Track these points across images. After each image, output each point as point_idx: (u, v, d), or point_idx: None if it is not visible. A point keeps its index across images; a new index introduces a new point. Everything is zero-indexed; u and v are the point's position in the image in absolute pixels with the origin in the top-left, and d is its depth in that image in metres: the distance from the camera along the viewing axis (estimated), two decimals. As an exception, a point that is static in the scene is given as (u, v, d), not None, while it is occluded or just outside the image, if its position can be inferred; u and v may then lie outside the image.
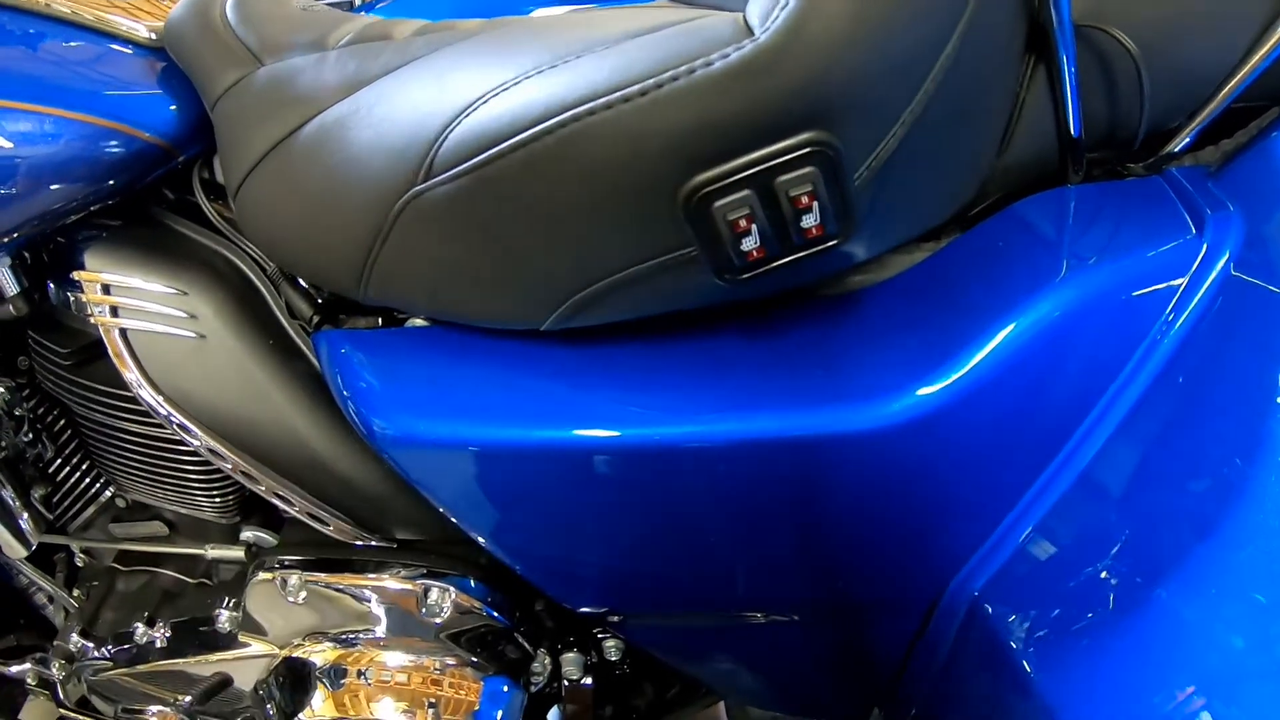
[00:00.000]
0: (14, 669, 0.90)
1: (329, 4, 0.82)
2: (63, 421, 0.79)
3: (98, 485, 0.82)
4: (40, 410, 0.77)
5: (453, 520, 0.63)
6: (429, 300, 0.57)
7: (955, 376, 0.50)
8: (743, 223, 0.44)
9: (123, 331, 0.64)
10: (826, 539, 0.59)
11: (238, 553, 0.78)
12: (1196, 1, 0.52)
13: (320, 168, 0.54)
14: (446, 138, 0.47)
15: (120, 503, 0.84)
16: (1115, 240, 0.51)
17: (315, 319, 0.63)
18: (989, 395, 0.50)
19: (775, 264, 0.48)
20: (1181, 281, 0.50)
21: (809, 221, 0.44)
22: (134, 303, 0.63)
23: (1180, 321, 0.50)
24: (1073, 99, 0.51)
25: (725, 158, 0.42)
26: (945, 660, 0.65)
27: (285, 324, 0.66)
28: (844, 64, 0.40)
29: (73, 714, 0.88)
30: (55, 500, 0.80)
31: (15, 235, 0.63)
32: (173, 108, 0.65)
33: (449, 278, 0.53)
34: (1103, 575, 0.52)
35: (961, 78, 0.45)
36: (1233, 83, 0.52)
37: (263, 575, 0.73)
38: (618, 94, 0.42)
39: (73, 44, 0.65)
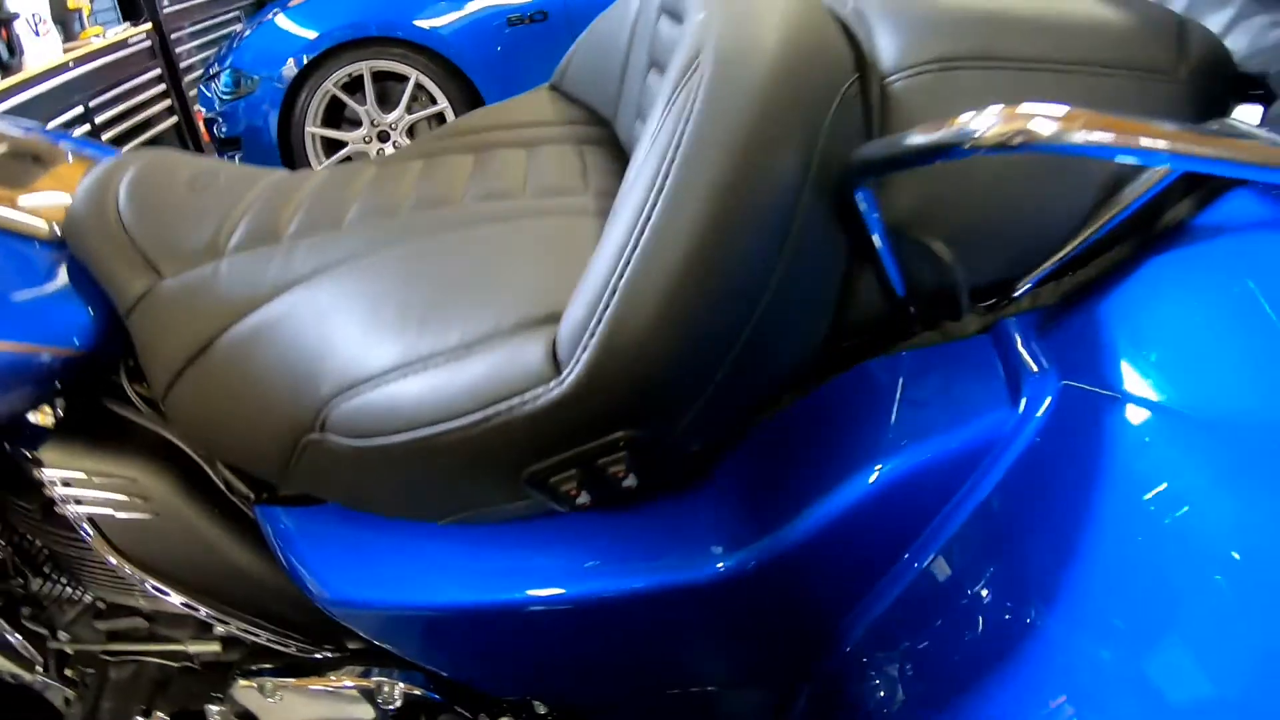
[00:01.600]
0: None
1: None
2: (38, 544, 0.84)
3: (79, 591, 0.87)
4: (16, 542, 0.83)
5: None
6: (346, 501, 0.66)
7: (791, 532, 0.63)
8: (573, 490, 0.55)
9: (89, 517, 0.70)
10: (691, 656, 0.74)
11: (215, 647, 0.86)
12: (1019, 199, 0.60)
13: (233, 384, 0.61)
14: (330, 411, 0.56)
15: (101, 604, 0.89)
16: (935, 413, 0.62)
17: (252, 496, 0.71)
18: (820, 545, 0.63)
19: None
20: (993, 444, 0.61)
21: (629, 482, 0.56)
22: (92, 493, 0.69)
23: (988, 488, 0.61)
24: (893, 271, 0.59)
25: (551, 454, 0.52)
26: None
27: (227, 495, 0.73)
28: (639, 386, 0.49)
29: None
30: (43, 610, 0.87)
31: None
32: (88, 312, 0.67)
33: (356, 493, 0.63)
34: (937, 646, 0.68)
35: (780, 310, 0.53)
36: (1060, 254, 0.60)
37: (243, 682, 0.82)
38: (458, 421, 0.51)
39: None
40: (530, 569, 0.66)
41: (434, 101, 2.94)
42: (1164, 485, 0.55)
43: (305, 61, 2.79)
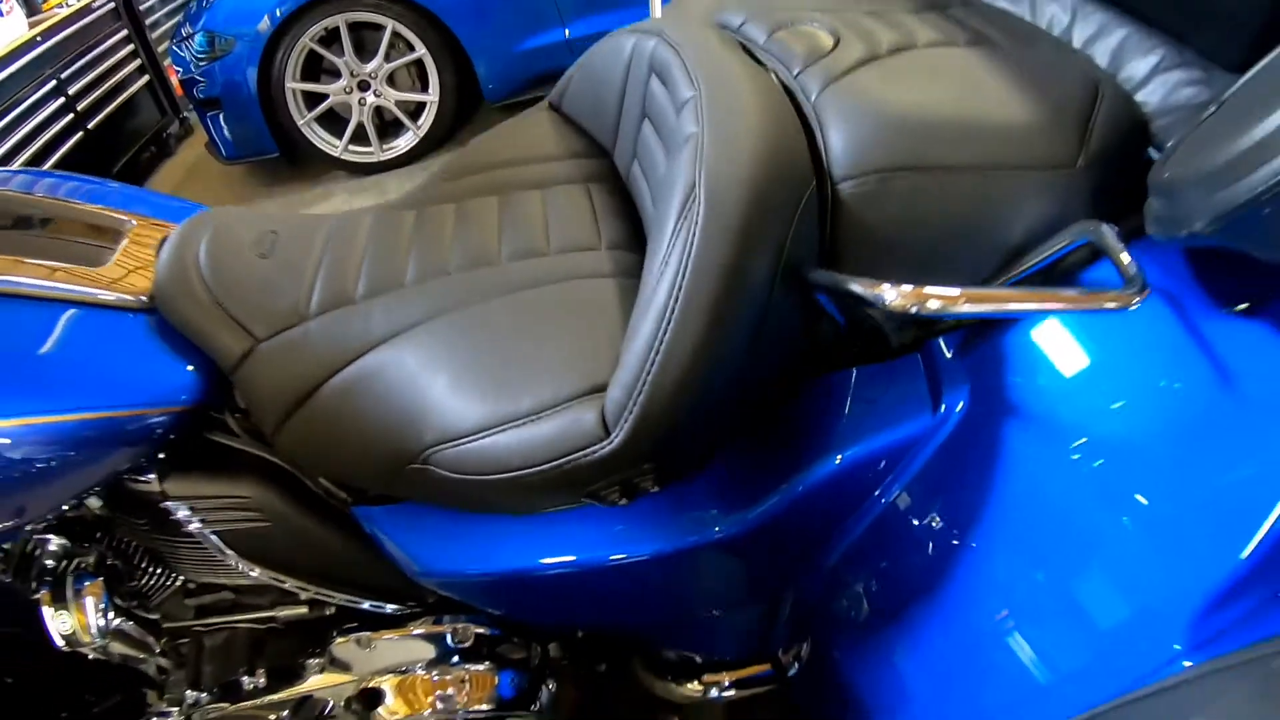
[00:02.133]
0: None
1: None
2: (134, 545, 1.00)
3: (171, 577, 1.04)
4: (117, 548, 0.99)
5: None
6: (436, 504, 0.83)
7: (760, 509, 0.83)
8: (614, 497, 0.74)
9: (214, 533, 0.86)
10: (698, 593, 0.97)
11: (302, 610, 1.05)
12: (949, 255, 0.77)
13: (338, 424, 0.77)
14: (432, 454, 0.73)
15: (190, 585, 1.07)
16: (880, 413, 0.81)
17: (348, 499, 0.87)
18: (784, 521, 0.84)
19: None
20: (920, 437, 0.79)
21: (654, 489, 0.74)
22: (214, 514, 0.85)
23: (917, 467, 0.81)
24: (840, 319, 0.77)
25: (601, 483, 0.71)
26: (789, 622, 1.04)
27: (327, 501, 0.89)
28: (666, 439, 0.68)
29: None
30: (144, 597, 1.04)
31: (73, 499, 0.80)
32: (189, 371, 0.80)
33: (447, 502, 0.80)
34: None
35: (764, 365, 0.71)
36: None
37: (341, 639, 1.02)
38: (537, 468, 0.69)
39: (70, 325, 0.77)
40: (574, 540, 0.85)
41: (411, 49, 2.96)
42: (1062, 447, 0.73)
43: (280, 18, 2.79)
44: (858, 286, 0.65)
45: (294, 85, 2.94)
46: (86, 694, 1.15)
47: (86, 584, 0.89)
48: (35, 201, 0.88)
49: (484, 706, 1.08)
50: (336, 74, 3.01)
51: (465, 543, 0.85)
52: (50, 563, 0.91)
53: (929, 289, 0.63)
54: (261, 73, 2.89)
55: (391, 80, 3.04)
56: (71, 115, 2.99)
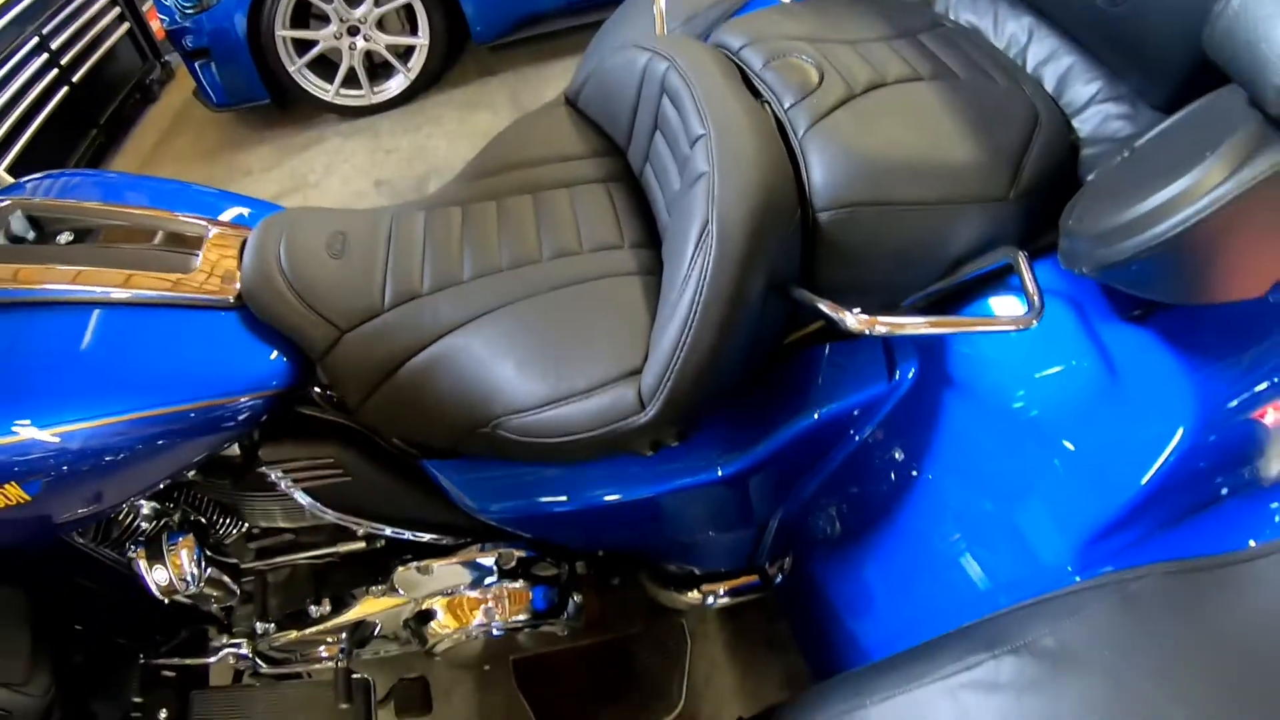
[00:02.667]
0: (214, 658, 1.30)
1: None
2: (207, 499, 1.15)
3: (239, 524, 1.20)
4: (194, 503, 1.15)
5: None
6: (500, 459, 1.01)
7: (753, 453, 1.02)
8: (645, 451, 0.93)
9: (304, 490, 1.04)
10: (701, 520, 1.17)
11: (360, 545, 1.25)
12: (904, 265, 0.95)
13: (416, 398, 0.95)
14: (501, 422, 0.91)
15: (255, 530, 1.24)
16: (846, 380, 0.99)
17: (417, 454, 1.05)
18: (771, 462, 1.03)
19: None
20: (880, 400, 0.99)
21: (675, 444, 0.94)
22: (303, 475, 1.03)
23: (877, 420, 1.00)
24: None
25: (636, 441, 0.90)
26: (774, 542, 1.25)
27: (397, 457, 1.07)
28: (688, 413, 0.87)
29: (276, 669, 1.35)
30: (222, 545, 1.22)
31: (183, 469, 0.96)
32: (279, 358, 0.94)
33: (508, 457, 0.98)
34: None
35: (758, 349, 0.90)
36: (926, 290, 0.96)
37: (402, 568, 1.21)
38: (589, 433, 0.88)
39: (173, 327, 0.90)
40: (606, 483, 1.05)
41: (398, -8, 2.98)
42: (1003, 398, 0.92)
43: (267, -34, 2.81)
44: (826, 308, 0.83)
45: (284, 33, 2.97)
46: (156, 634, 1.33)
47: (180, 540, 1.06)
48: (124, 213, 1.00)
49: (521, 617, 1.29)
50: (325, 19, 3.03)
51: (517, 486, 1.05)
52: (145, 525, 1.08)
53: (880, 317, 0.81)
54: (250, 20, 2.91)
55: (381, 24, 3.07)
56: (56, 70, 3.01)
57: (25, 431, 0.81)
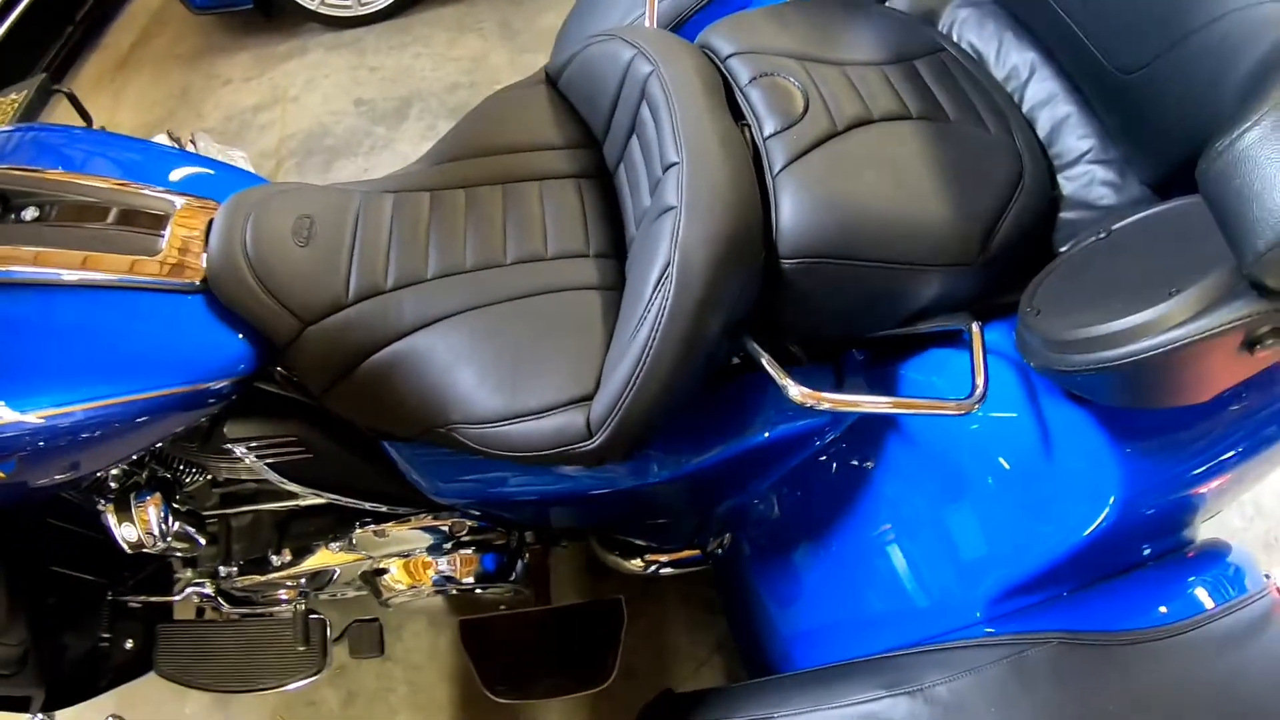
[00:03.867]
0: (178, 596, 1.36)
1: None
2: (175, 457, 1.18)
3: (202, 475, 1.22)
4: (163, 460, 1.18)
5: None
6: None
7: (701, 461, 1.07)
8: (591, 465, 0.96)
9: (266, 464, 1.08)
10: (658, 506, 1.22)
11: (322, 500, 1.29)
12: (862, 313, 0.98)
13: (376, 392, 0.98)
14: (455, 429, 0.94)
15: (216, 479, 1.25)
16: (785, 407, 1.02)
17: (374, 436, 1.09)
18: (712, 469, 1.08)
19: None
20: (829, 420, 1.03)
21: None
22: (268, 450, 1.06)
23: (828, 440, 1.05)
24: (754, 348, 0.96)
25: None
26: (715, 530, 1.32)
27: (359, 435, 1.10)
28: (634, 444, 0.90)
29: (236, 609, 1.42)
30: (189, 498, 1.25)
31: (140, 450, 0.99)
32: (245, 344, 0.95)
33: (461, 453, 1.02)
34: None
35: (701, 379, 0.94)
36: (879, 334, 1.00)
37: (361, 530, 1.27)
38: (537, 453, 0.91)
39: (140, 312, 0.90)
40: (556, 480, 1.10)
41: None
42: (934, 431, 0.97)
43: None
44: (773, 371, 0.86)
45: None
46: (124, 571, 1.39)
47: (147, 498, 1.10)
48: (90, 186, 0.98)
49: (470, 579, 1.37)
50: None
51: (472, 474, 1.10)
52: (113, 484, 1.12)
53: (824, 394, 0.84)
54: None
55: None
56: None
57: (5, 413, 0.83)
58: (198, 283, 0.96)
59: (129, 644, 1.40)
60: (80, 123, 2.69)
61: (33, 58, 2.89)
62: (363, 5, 3.10)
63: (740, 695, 0.95)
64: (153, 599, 1.39)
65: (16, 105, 2.69)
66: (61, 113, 2.69)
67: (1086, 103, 0.98)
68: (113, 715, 1.26)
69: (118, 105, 3.03)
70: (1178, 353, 0.65)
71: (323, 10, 3.08)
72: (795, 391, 0.85)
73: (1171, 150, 0.85)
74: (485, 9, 3.14)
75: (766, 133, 0.94)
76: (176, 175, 1.06)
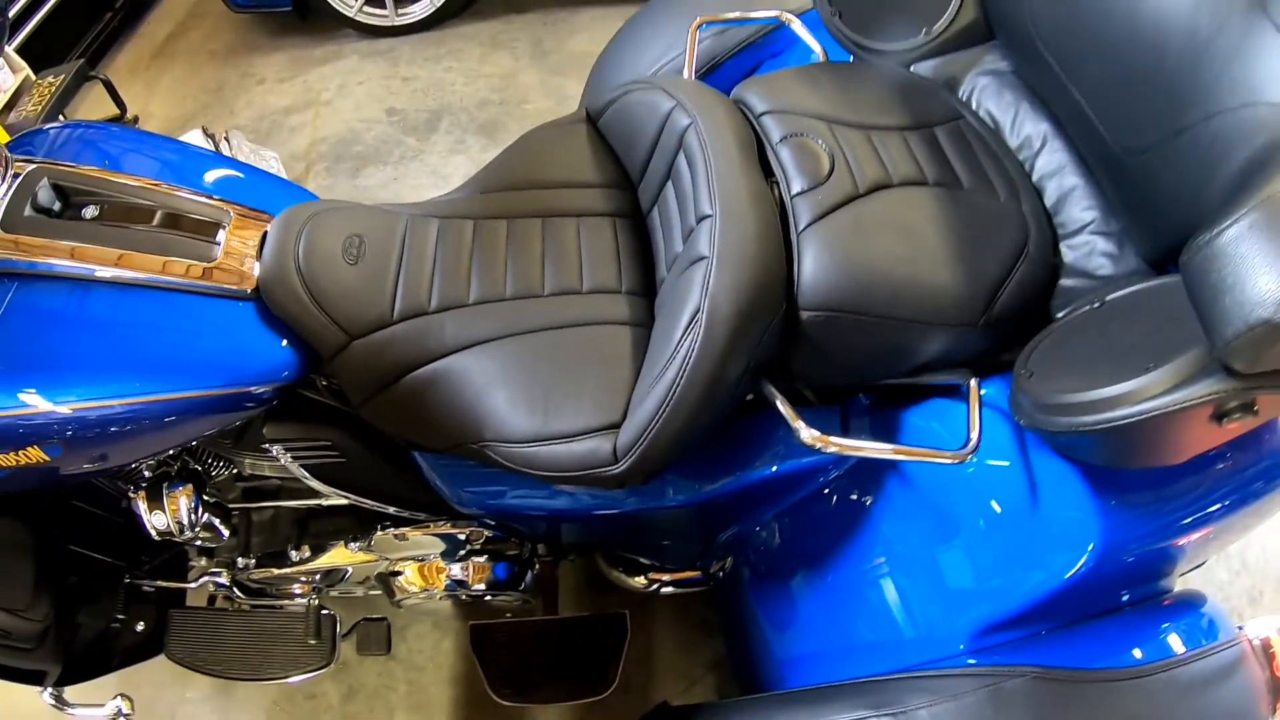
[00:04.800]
0: (194, 584, 1.42)
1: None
2: (203, 451, 1.25)
3: (230, 469, 1.28)
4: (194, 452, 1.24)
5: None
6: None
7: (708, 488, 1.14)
8: (614, 488, 1.03)
9: (301, 465, 1.14)
10: (668, 529, 1.28)
11: (346, 500, 1.34)
12: (868, 363, 1.04)
13: (413, 407, 1.04)
14: (487, 446, 1.01)
15: (243, 474, 1.32)
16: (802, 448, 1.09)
17: (406, 445, 1.15)
18: (721, 497, 1.15)
19: None
20: (831, 461, 1.09)
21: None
22: (303, 452, 1.13)
23: (834, 475, 1.12)
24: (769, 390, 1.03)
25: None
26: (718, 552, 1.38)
27: (391, 444, 1.16)
28: (658, 468, 0.97)
29: (249, 600, 1.48)
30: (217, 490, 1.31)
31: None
32: (291, 351, 1.01)
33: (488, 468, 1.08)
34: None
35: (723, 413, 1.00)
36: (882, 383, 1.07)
37: (381, 533, 1.33)
38: (565, 474, 0.97)
39: (192, 314, 0.97)
40: (576, 499, 1.17)
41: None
42: (930, 475, 1.03)
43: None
44: (786, 414, 0.93)
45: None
46: (142, 555, 1.44)
47: (179, 489, 1.16)
48: (148, 190, 1.04)
49: (482, 586, 1.43)
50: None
51: (495, 487, 1.17)
52: (147, 473, 1.18)
53: (833, 438, 0.92)
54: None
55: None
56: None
57: (39, 403, 0.90)
58: (249, 291, 1.02)
59: (141, 626, 1.45)
60: (114, 109, 2.78)
61: (69, 42, 2.96)
62: (400, 15, 3.18)
63: (734, 710, 1.01)
64: (168, 584, 1.45)
65: (53, 89, 2.76)
66: (95, 99, 2.78)
67: (1092, 179, 1.04)
68: (120, 694, 1.31)
69: (151, 95, 3.10)
70: (1152, 421, 0.72)
71: (360, 18, 3.16)
72: (806, 434, 0.91)
73: (1167, 230, 0.91)
74: (519, 27, 3.23)
75: (794, 191, 1.01)
76: (221, 179, 1.13)
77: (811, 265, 0.95)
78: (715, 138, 1.03)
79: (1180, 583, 1.04)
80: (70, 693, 1.32)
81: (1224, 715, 0.89)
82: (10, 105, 2.66)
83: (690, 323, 0.92)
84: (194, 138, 1.50)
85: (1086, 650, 0.90)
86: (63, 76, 2.76)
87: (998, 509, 0.95)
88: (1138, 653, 0.90)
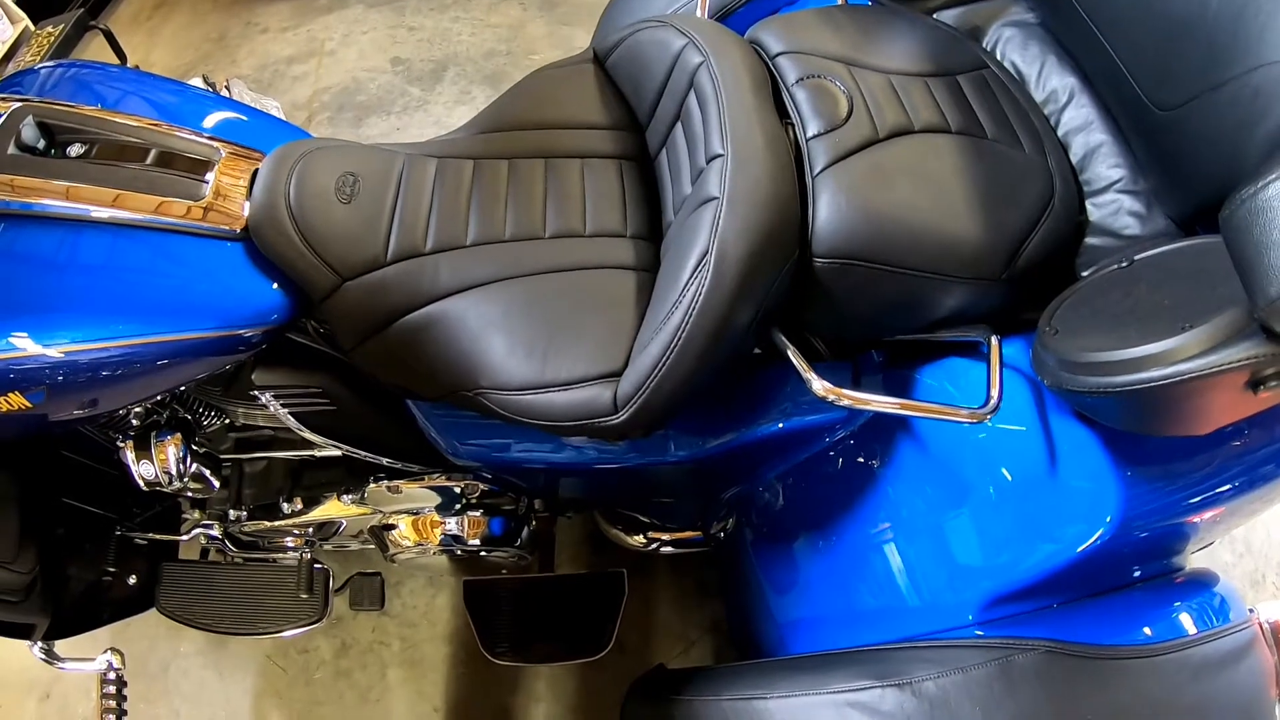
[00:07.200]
0: (185, 536, 1.41)
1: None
2: (193, 397, 1.20)
3: (221, 417, 1.24)
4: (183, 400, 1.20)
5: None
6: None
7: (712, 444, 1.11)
8: (614, 441, 1.01)
9: (289, 412, 1.11)
10: (669, 485, 1.24)
11: (338, 450, 1.29)
12: (882, 314, 0.99)
13: (406, 353, 1.00)
14: (482, 394, 0.97)
15: (235, 423, 1.28)
16: (812, 403, 1.05)
17: (399, 393, 1.11)
18: (725, 454, 1.11)
19: None
20: (844, 421, 1.06)
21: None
22: (293, 400, 1.09)
23: (840, 435, 1.09)
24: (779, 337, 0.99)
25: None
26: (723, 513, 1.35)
27: (383, 392, 1.12)
28: (659, 418, 0.92)
29: (242, 553, 1.46)
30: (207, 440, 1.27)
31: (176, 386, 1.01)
32: (280, 294, 0.97)
33: (484, 416, 1.04)
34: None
35: (731, 363, 0.95)
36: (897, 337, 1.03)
37: (374, 485, 1.30)
38: (563, 423, 0.93)
39: (182, 254, 0.93)
40: (575, 450, 1.13)
41: None
42: (941, 438, 0.99)
43: None
44: (798, 364, 0.88)
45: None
46: (133, 507, 1.42)
47: (168, 438, 1.12)
48: (137, 127, 0.99)
49: (477, 541, 1.40)
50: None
51: (491, 438, 1.13)
52: (135, 421, 1.14)
53: (845, 390, 0.87)
54: None
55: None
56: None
57: (29, 346, 0.86)
58: (238, 230, 0.97)
59: (132, 579, 1.43)
60: (115, 60, 2.72)
61: (70, -14, 2.89)
62: (405, -36, 3.09)
63: (733, 675, 0.98)
64: (159, 537, 1.43)
65: (52, 39, 2.71)
66: (96, 49, 2.71)
67: (1120, 133, 0.99)
68: (110, 649, 1.29)
69: (153, 45, 3.03)
70: (1184, 385, 0.67)
71: (364, -34, 3.07)
72: (818, 385, 0.87)
73: (1199, 189, 0.87)
74: (527, -23, 3.14)
75: (810, 134, 0.96)
76: (214, 120, 1.08)
77: (827, 210, 0.90)
78: (728, 77, 0.97)
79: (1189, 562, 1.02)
80: (61, 647, 1.31)
81: (1235, 698, 0.86)
82: (9, 56, 2.61)
83: (698, 265, 0.87)
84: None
85: (1098, 626, 0.86)
86: (62, 26, 2.71)
87: (1010, 476, 0.91)
88: (1149, 631, 0.87)
